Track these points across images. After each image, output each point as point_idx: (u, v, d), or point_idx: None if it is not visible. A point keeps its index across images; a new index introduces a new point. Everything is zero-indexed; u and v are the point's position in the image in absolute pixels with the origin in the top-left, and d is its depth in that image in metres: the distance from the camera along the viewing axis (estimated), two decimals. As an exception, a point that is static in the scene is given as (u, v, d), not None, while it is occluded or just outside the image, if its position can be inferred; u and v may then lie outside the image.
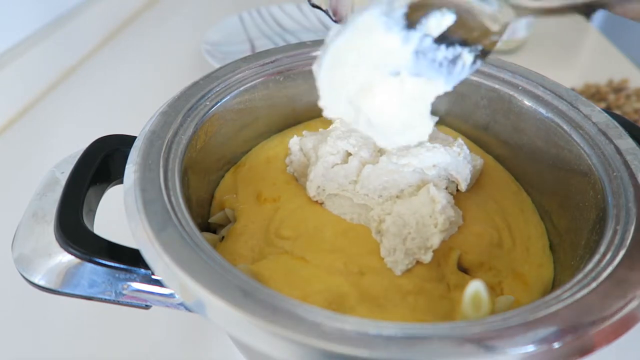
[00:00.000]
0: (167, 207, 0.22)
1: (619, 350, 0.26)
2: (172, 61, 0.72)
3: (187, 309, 0.21)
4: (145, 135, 0.26)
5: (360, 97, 0.23)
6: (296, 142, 0.32)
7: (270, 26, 0.74)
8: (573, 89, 0.31)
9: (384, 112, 0.23)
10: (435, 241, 0.26)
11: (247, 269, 0.26)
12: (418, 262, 0.26)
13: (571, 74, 0.71)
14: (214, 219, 0.31)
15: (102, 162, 0.28)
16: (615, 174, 0.26)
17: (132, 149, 0.26)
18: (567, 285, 0.20)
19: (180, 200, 0.23)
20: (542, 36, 0.78)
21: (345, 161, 0.30)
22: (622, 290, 0.20)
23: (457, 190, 0.30)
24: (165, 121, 0.27)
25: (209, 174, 0.32)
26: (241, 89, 0.32)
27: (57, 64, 0.66)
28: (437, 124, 0.37)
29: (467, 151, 0.30)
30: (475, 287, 0.23)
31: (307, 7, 0.77)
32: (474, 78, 0.34)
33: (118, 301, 0.23)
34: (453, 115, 0.36)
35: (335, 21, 0.30)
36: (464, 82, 0.34)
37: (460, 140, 0.30)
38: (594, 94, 0.63)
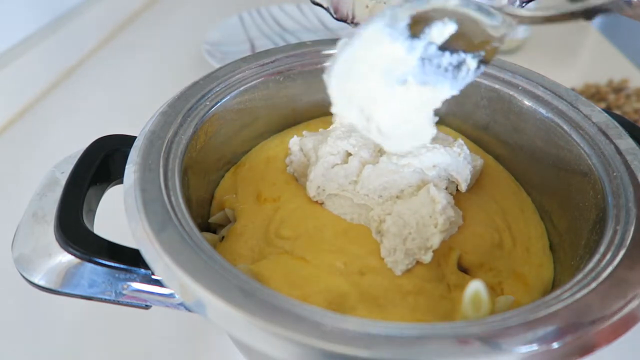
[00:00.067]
0: (167, 207, 0.22)
1: (619, 350, 0.26)
2: (172, 61, 0.72)
3: (187, 309, 0.21)
4: (145, 135, 0.26)
5: (370, 107, 0.24)
6: (296, 142, 0.32)
7: (270, 26, 0.74)
8: (573, 89, 0.31)
9: (392, 121, 0.25)
10: (436, 241, 0.26)
11: (247, 269, 0.26)
12: (418, 262, 0.26)
13: (571, 74, 0.71)
14: (214, 219, 0.31)
15: (102, 162, 0.28)
16: (615, 174, 0.26)
17: (132, 149, 0.26)
18: (567, 285, 0.20)
19: (180, 200, 0.23)
20: (542, 36, 0.78)
21: (345, 161, 0.30)
22: (622, 290, 0.20)
23: (457, 190, 0.30)
24: (165, 121, 0.27)
25: (209, 174, 0.32)
26: (241, 89, 0.32)
27: (57, 64, 0.66)
28: (437, 124, 0.37)
29: (467, 151, 0.30)
30: (475, 287, 0.24)
31: (307, 7, 0.77)
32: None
33: (118, 301, 0.23)
34: (453, 115, 0.36)
35: (336, 19, 0.30)
36: (464, 82, 0.34)
37: (460, 141, 0.30)
38: (594, 94, 0.63)
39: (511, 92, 0.32)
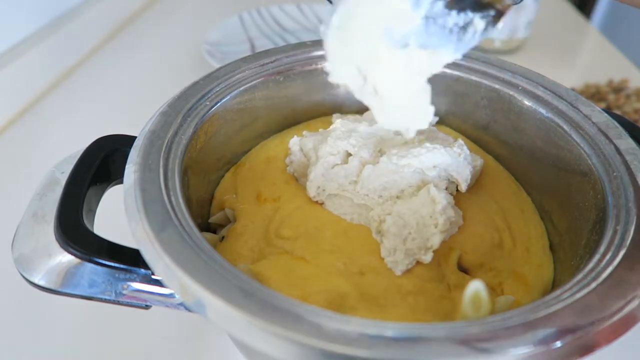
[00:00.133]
0: (167, 207, 0.22)
1: (619, 351, 0.26)
2: (172, 61, 0.72)
3: (187, 309, 0.21)
4: (145, 135, 0.26)
5: (367, 65, 0.23)
6: (296, 142, 0.32)
7: (270, 26, 0.74)
8: (573, 89, 0.32)
9: (390, 83, 0.23)
10: (436, 241, 0.26)
11: (247, 269, 0.26)
12: (418, 262, 0.26)
13: (571, 74, 0.71)
14: (214, 219, 0.31)
15: (102, 162, 0.28)
16: (615, 174, 0.26)
17: (132, 149, 0.26)
18: (567, 285, 0.20)
19: (180, 200, 0.23)
20: (542, 36, 0.78)
21: (345, 161, 0.30)
22: (622, 290, 0.20)
23: (457, 190, 0.30)
24: (165, 121, 0.27)
25: (209, 174, 0.32)
26: (241, 89, 0.32)
27: (57, 64, 0.66)
28: (437, 124, 0.37)
29: (468, 152, 0.30)
30: (475, 287, 0.24)
31: (307, 7, 0.77)
32: (474, 78, 0.34)
33: (118, 301, 0.23)
34: (453, 115, 0.36)
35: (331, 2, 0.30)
36: (464, 82, 0.34)
37: (460, 141, 0.30)
38: (594, 94, 0.63)
39: (511, 92, 0.32)
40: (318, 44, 0.35)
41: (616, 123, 0.28)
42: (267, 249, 0.28)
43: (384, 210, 0.27)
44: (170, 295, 0.23)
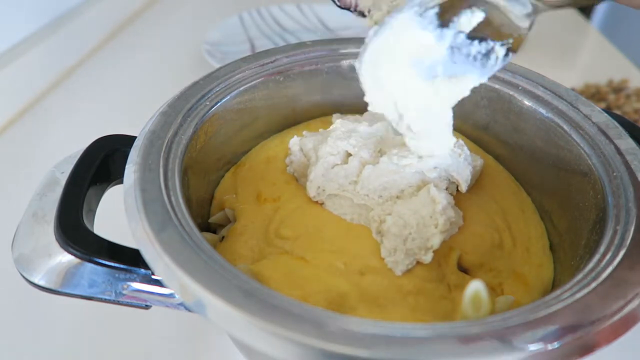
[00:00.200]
0: (167, 207, 0.22)
1: (619, 351, 0.26)
2: (172, 61, 0.72)
3: (187, 309, 0.21)
4: (145, 135, 0.26)
5: (402, 104, 0.25)
6: (296, 143, 0.32)
7: (270, 26, 0.74)
8: (573, 89, 0.31)
9: (422, 120, 0.26)
10: (436, 242, 0.26)
11: (247, 269, 0.26)
12: (418, 263, 0.26)
13: (571, 74, 0.71)
14: (214, 219, 0.31)
15: (102, 162, 0.28)
16: (615, 174, 0.26)
17: (132, 149, 0.26)
18: (567, 285, 0.20)
19: (180, 200, 0.23)
20: (542, 36, 0.78)
21: (345, 161, 0.30)
22: (622, 290, 0.20)
23: (457, 190, 0.30)
24: (165, 121, 0.27)
25: (209, 174, 0.32)
26: (241, 89, 0.32)
27: (57, 64, 0.66)
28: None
29: (468, 152, 0.30)
30: (475, 287, 0.24)
31: (307, 7, 0.77)
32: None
33: (118, 301, 0.23)
34: (453, 115, 0.36)
35: (339, 7, 0.30)
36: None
37: (460, 141, 0.30)
38: (594, 94, 0.63)
39: (511, 92, 0.32)
40: (318, 44, 0.35)
41: (616, 123, 0.28)
42: (267, 249, 0.28)
43: (384, 211, 0.27)
44: (170, 295, 0.23)
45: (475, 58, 0.24)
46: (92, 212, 0.27)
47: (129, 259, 0.23)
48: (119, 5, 0.80)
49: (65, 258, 0.23)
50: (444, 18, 0.23)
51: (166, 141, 0.26)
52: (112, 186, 0.29)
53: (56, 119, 0.59)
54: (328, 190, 0.29)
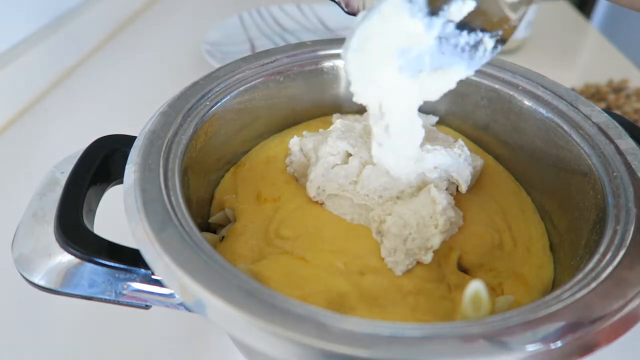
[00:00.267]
0: (167, 207, 0.22)
1: (619, 351, 0.26)
2: (172, 61, 0.72)
3: (187, 309, 0.21)
4: (145, 135, 0.26)
5: (387, 102, 0.24)
6: (296, 143, 0.32)
7: (270, 26, 0.74)
8: (573, 89, 0.32)
9: (402, 122, 0.25)
10: (436, 242, 0.26)
11: (247, 269, 0.26)
12: (418, 263, 0.26)
13: (571, 74, 0.71)
14: (214, 219, 0.31)
15: (102, 162, 0.28)
16: (615, 174, 0.26)
17: (132, 149, 0.26)
18: (567, 285, 0.20)
19: (180, 200, 0.23)
20: (542, 36, 0.78)
21: (345, 161, 0.30)
22: (622, 290, 0.20)
23: (457, 190, 0.30)
24: (165, 121, 0.27)
25: (209, 174, 0.32)
26: (241, 89, 0.32)
27: (57, 64, 0.66)
28: (437, 124, 0.37)
29: (468, 152, 0.30)
30: (475, 287, 0.23)
31: (307, 7, 0.77)
32: (474, 78, 0.34)
33: (118, 301, 0.23)
34: (453, 115, 0.36)
35: (347, 13, 0.30)
36: (464, 82, 0.34)
37: (460, 142, 0.30)
38: (594, 94, 0.63)
39: (511, 92, 0.32)
40: (318, 44, 0.35)
41: (616, 123, 0.28)
42: (267, 249, 0.28)
43: (384, 211, 0.27)
44: (170, 295, 0.23)
45: (463, 49, 0.24)
46: (92, 212, 0.27)
47: (129, 259, 0.23)
48: (119, 5, 0.80)
49: (65, 258, 0.23)
50: (434, 5, 0.22)
51: (166, 141, 0.26)
52: (112, 186, 0.29)
53: (56, 119, 0.59)
54: (328, 190, 0.29)
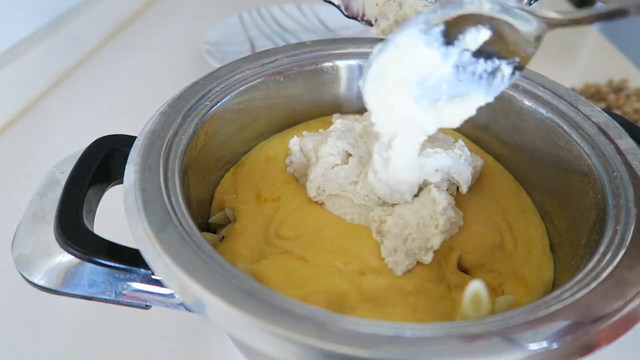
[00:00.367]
0: (167, 207, 0.22)
1: (619, 351, 0.26)
2: (172, 61, 0.72)
3: (187, 309, 0.21)
4: (145, 135, 0.26)
5: (399, 139, 0.25)
6: (296, 143, 0.32)
7: (270, 26, 0.74)
8: (573, 89, 0.31)
9: (399, 168, 0.26)
10: (436, 242, 0.26)
11: (247, 269, 0.26)
12: (419, 263, 0.26)
13: (571, 74, 0.71)
14: (214, 219, 0.31)
15: (102, 162, 0.28)
16: (615, 174, 0.26)
17: (132, 149, 0.26)
18: (567, 285, 0.20)
19: (180, 200, 0.23)
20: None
21: (345, 162, 0.30)
22: (622, 290, 0.20)
23: (457, 190, 0.30)
24: (165, 121, 0.27)
25: (209, 174, 0.32)
26: (241, 89, 0.32)
27: (57, 64, 0.66)
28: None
29: (468, 153, 0.30)
30: (475, 287, 0.23)
31: (307, 7, 0.77)
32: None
33: (118, 301, 0.23)
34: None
35: (347, 16, 0.30)
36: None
37: (461, 142, 0.30)
38: (594, 94, 0.63)
39: (511, 92, 0.32)
40: (318, 44, 0.35)
41: (616, 123, 0.28)
42: (267, 249, 0.28)
43: (385, 211, 0.27)
44: (170, 295, 0.23)
45: (481, 77, 0.24)
46: (92, 212, 0.27)
47: (129, 259, 0.23)
48: (119, 5, 0.80)
49: (65, 258, 0.23)
50: (450, 35, 0.23)
51: (166, 141, 0.26)
52: (112, 186, 0.29)
53: (56, 119, 0.59)
54: (328, 190, 0.29)
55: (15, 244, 0.24)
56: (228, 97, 0.31)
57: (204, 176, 0.31)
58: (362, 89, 0.24)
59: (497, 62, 0.24)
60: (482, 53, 0.23)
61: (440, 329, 0.18)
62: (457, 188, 0.30)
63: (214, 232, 0.31)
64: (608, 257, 0.22)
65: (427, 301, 0.25)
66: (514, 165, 0.34)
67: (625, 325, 0.19)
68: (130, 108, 0.61)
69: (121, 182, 0.25)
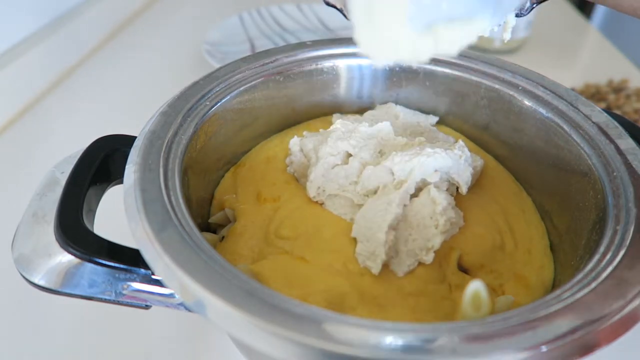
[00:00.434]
0: (167, 207, 0.22)
1: (619, 351, 0.26)
2: (172, 61, 0.71)
3: (187, 309, 0.21)
4: (145, 135, 0.26)
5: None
6: (296, 143, 0.32)
7: (270, 26, 0.74)
8: (573, 89, 0.31)
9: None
10: (437, 242, 0.26)
11: (247, 269, 0.26)
12: (420, 264, 0.26)
13: (571, 74, 0.71)
14: (214, 219, 0.31)
15: (102, 162, 0.28)
16: (615, 174, 0.26)
17: (132, 149, 0.26)
18: (567, 285, 0.20)
19: (180, 200, 0.23)
20: (542, 36, 0.78)
21: (345, 162, 0.30)
22: (622, 290, 0.20)
23: (457, 190, 0.30)
24: (165, 121, 0.27)
25: (209, 174, 0.32)
26: (241, 89, 0.32)
27: (57, 64, 0.66)
28: (437, 124, 0.37)
29: (468, 153, 0.30)
30: (475, 287, 0.23)
31: (307, 7, 0.77)
32: (474, 78, 0.34)
33: (118, 301, 0.23)
34: (453, 115, 0.36)
35: (349, 20, 0.30)
36: (464, 82, 0.34)
37: (461, 142, 0.30)
38: (594, 94, 0.63)
39: (511, 92, 0.32)
40: (318, 44, 0.35)
41: (616, 123, 0.28)
42: (267, 249, 0.28)
43: (384, 210, 0.27)
44: (170, 295, 0.23)
45: None
46: (92, 212, 0.27)
47: (129, 259, 0.23)
48: (119, 5, 0.80)
49: (65, 258, 0.23)
50: None
51: (166, 141, 0.26)
52: (112, 186, 0.29)
53: (56, 119, 0.59)
54: (328, 190, 0.29)
55: (15, 244, 0.24)
56: (228, 97, 0.31)
57: (204, 176, 0.31)
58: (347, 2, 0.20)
59: None
60: None
61: (440, 329, 0.18)
62: (457, 188, 0.30)
63: (214, 232, 0.31)
64: (608, 257, 0.22)
65: (428, 302, 0.25)
66: (514, 165, 0.34)
67: (625, 325, 0.19)
68: (130, 108, 0.61)
69: (121, 182, 0.25)
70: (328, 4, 0.29)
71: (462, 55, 0.34)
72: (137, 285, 0.23)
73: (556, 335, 0.18)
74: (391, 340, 0.18)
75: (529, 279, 0.27)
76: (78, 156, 0.28)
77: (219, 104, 0.30)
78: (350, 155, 0.30)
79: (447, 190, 0.29)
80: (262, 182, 0.31)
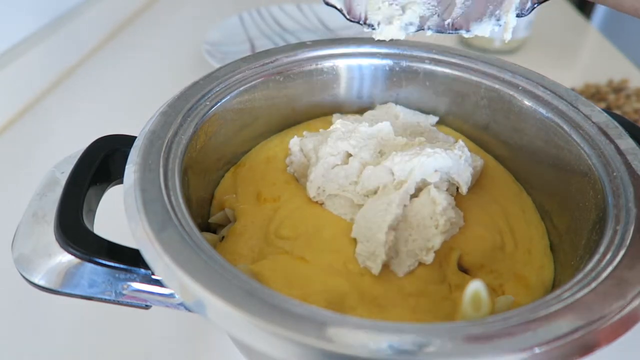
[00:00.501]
0: (167, 207, 0.22)
1: (619, 351, 0.26)
2: (172, 61, 0.72)
3: (187, 309, 0.21)
4: (145, 135, 0.26)
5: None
6: (296, 143, 0.32)
7: (270, 26, 0.74)
8: (573, 89, 0.31)
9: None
10: (437, 242, 0.26)
11: (247, 269, 0.26)
12: (420, 264, 0.26)
13: (571, 74, 0.71)
14: (214, 219, 0.31)
15: (102, 162, 0.28)
16: (615, 174, 0.26)
17: (132, 149, 0.26)
18: (567, 285, 0.20)
19: (180, 200, 0.23)
20: (542, 36, 0.78)
21: (345, 162, 0.30)
22: (622, 290, 0.20)
23: (457, 190, 0.30)
24: (165, 121, 0.27)
25: (209, 174, 0.32)
26: (241, 89, 0.32)
27: (57, 64, 0.66)
28: (437, 124, 0.37)
29: (468, 154, 0.30)
30: (475, 287, 0.23)
31: (307, 7, 0.77)
32: (474, 78, 0.34)
33: (118, 301, 0.23)
34: (453, 115, 0.36)
35: (350, 20, 0.30)
36: (464, 82, 0.34)
37: (461, 142, 0.30)
38: (594, 94, 0.63)
39: (511, 92, 0.32)
40: (318, 44, 0.35)
41: (616, 123, 0.28)
42: (267, 249, 0.28)
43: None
44: (170, 295, 0.23)
45: None
46: (92, 212, 0.27)
47: (129, 259, 0.23)
48: (119, 5, 0.80)
49: (65, 258, 0.23)
50: None
51: (166, 141, 0.26)
52: (112, 186, 0.29)
53: (56, 119, 0.59)
54: (328, 190, 0.29)
55: (15, 244, 0.24)
56: (228, 97, 0.31)
57: (204, 176, 0.31)
58: None
59: None
60: None
61: (440, 329, 0.18)
62: (457, 188, 0.30)
63: (214, 232, 0.31)
64: (608, 257, 0.22)
65: (428, 302, 0.25)
66: (514, 165, 0.34)
67: (625, 325, 0.19)
68: (130, 108, 0.61)
69: (121, 182, 0.25)
70: (328, 4, 0.29)
71: (462, 55, 0.34)
72: (137, 285, 0.23)
73: (556, 335, 0.18)
74: (391, 340, 0.18)
75: (529, 279, 0.27)
76: (78, 156, 0.28)
77: (219, 104, 0.30)
78: (350, 155, 0.30)
79: (447, 190, 0.29)
80: (262, 182, 0.31)
